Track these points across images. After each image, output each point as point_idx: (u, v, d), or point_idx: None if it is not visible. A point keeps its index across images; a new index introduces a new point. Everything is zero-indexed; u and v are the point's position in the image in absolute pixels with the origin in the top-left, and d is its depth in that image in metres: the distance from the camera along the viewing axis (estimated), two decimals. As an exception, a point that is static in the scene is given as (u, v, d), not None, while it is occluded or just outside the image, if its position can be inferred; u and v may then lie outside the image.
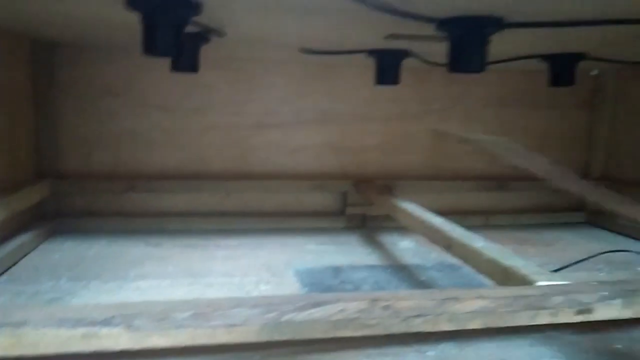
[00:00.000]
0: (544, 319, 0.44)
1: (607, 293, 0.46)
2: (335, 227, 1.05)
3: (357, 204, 1.06)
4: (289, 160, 1.06)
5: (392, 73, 0.88)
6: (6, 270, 0.73)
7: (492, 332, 0.47)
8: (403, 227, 0.84)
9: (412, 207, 0.80)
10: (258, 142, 1.05)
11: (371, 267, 0.81)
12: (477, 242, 0.60)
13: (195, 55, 0.76)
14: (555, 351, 0.48)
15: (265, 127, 1.05)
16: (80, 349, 0.35)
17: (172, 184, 0.99)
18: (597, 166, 1.18)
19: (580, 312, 0.45)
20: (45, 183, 0.91)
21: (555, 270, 0.75)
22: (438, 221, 0.71)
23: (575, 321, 0.45)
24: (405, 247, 0.92)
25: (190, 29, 0.63)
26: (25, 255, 0.80)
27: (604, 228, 1.11)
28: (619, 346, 0.50)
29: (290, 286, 0.71)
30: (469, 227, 0.68)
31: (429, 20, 0.59)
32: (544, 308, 0.44)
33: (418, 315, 0.42)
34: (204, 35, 0.71)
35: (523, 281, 0.50)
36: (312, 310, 0.40)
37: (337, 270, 0.79)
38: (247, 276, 0.75)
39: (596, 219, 1.14)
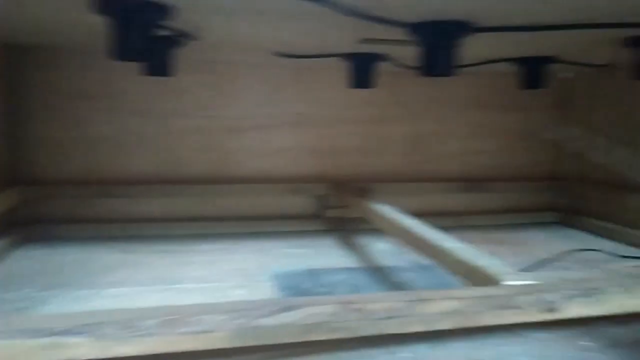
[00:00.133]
0: (512, 318, 0.45)
1: (573, 291, 0.47)
2: (313, 230, 1.06)
3: (334, 207, 1.07)
4: (266, 163, 1.06)
5: (366, 76, 0.89)
6: (-25, 280, 0.72)
7: (463, 332, 0.47)
8: (378, 229, 0.85)
9: (385, 210, 0.80)
10: (234, 146, 1.04)
11: (348, 270, 0.81)
12: (447, 243, 0.61)
13: (168, 59, 0.76)
14: (524, 349, 0.49)
15: (242, 130, 1.04)
16: (45, 359, 0.34)
17: (148, 189, 0.99)
18: (567, 167, 1.21)
19: (547, 310, 0.46)
20: (16, 190, 0.89)
21: (523, 270, 0.76)
22: (410, 223, 0.71)
23: (543, 320, 0.46)
24: (382, 249, 0.92)
25: (163, 32, 0.63)
26: (-5, 264, 0.78)
27: (575, 228, 1.13)
28: (587, 343, 0.51)
29: (267, 290, 0.71)
30: (445, 228, 0.68)
31: (402, 25, 0.60)
32: (512, 307, 0.45)
33: (389, 317, 0.42)
34: (177, 39, 0.71)
35: (492, 281, 0.51)
36: (283, 315, 0.40)
37: (313, 273, 0.79)
38: (223, 281, 0.74)
39: (568, 219, 1.16)
